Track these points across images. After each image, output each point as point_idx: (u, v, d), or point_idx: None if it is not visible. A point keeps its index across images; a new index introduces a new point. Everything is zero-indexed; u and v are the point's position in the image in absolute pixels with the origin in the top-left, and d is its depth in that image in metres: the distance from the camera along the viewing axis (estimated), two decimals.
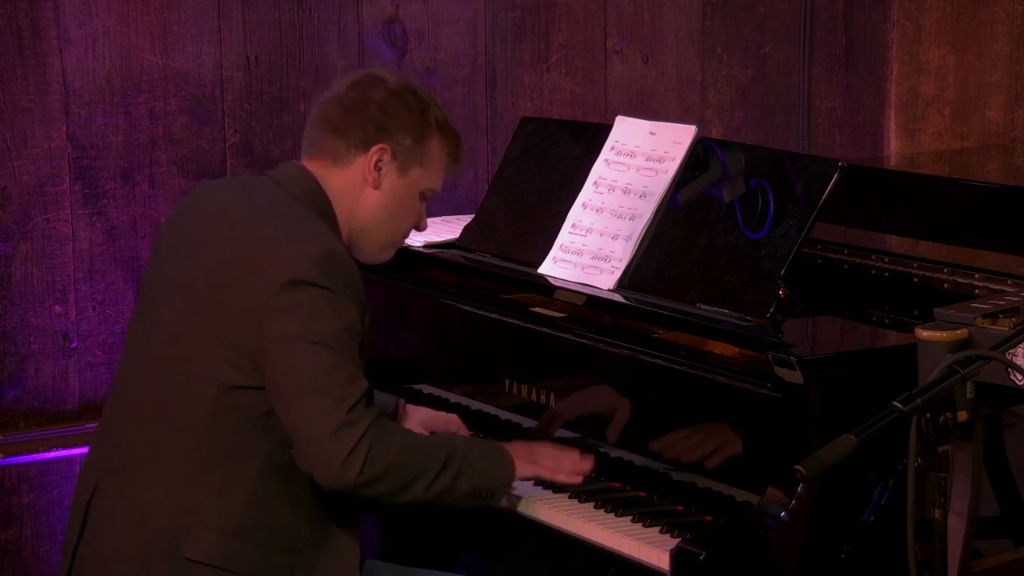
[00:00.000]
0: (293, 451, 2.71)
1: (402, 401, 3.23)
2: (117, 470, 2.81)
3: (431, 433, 3.12)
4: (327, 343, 2.67)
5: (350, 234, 2.89)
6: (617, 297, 3.14)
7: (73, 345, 3.67)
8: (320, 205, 2.84)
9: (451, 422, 3.22)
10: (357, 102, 2.87)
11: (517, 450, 2.92)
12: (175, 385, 2.76)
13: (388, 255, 2.98)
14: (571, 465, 2.95)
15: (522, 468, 2.89)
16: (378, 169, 2.87)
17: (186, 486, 2.73)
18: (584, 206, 3.31)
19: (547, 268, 3.31)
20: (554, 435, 3.13)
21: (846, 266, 3.26)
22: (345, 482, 2.67)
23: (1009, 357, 2.33)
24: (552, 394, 3.15)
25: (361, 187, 2.87)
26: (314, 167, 2.88)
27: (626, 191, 3.25)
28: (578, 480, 2.94)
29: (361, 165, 2.86)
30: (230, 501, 2.73)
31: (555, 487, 2.97)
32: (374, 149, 2.86)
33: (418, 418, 3.21)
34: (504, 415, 3.26)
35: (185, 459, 2.74)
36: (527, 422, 3.20)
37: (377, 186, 2.87)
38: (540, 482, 2.99)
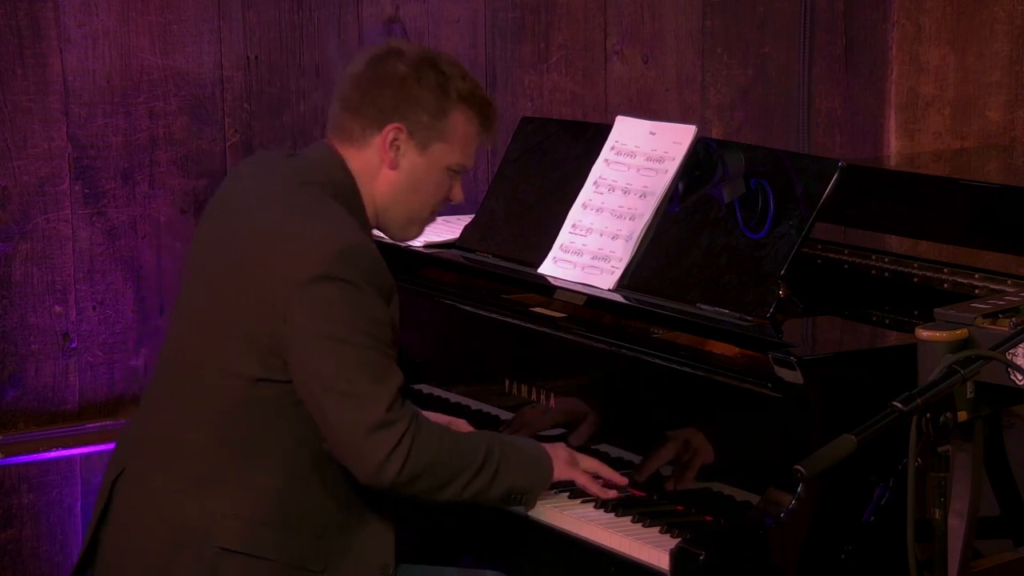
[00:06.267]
0: (327, 445, 2.71)
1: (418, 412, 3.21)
2: (144, 459, 2.82)
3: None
4: (355, 340, 2.66)
5: (375, 213, 2.87)
6: (617, 297, 3.14)
7: (73, 345, 3.67)
8: (345, 188, 2.81)
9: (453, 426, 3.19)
10: (373, 80, 2.84)
11: (559, 452, 2.91)
12: (200, 378, 2.77)
13: (415, 232, 2.95)
14: (608, 476, 2.94)
15: (560, 471, 2.88)
16: (395, 148, 2.83)
17: (212, 478, 2.74)
18: (584, 206, 3.31)
19: (547, 268, 3.31)
20: (539, 432, 3.14)
21: (846, 266, 3.26)
22: (383, 480, 2.68)
23: (1009, 357, 2.33)
24: (552, 394, 3.15)
25: (379, 167, 2.84)
26: (338, 146, 2.86)
27: (626, 191, 3.25)
28: (611, 494, 2.91)
29: (377, 145, 2.83)
30: (257, 492, 2.73)
31: (556, 487, 2.96)
32: (388, 128, 2.82)
33: None
34: (504, 415, 3.26)
35: (210, 451, 2.75)
36: None
37: (394, 166, 2.84)
38: (553, 484, 2.98)
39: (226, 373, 2.73)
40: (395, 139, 2.83)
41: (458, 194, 2.93)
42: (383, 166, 2.84)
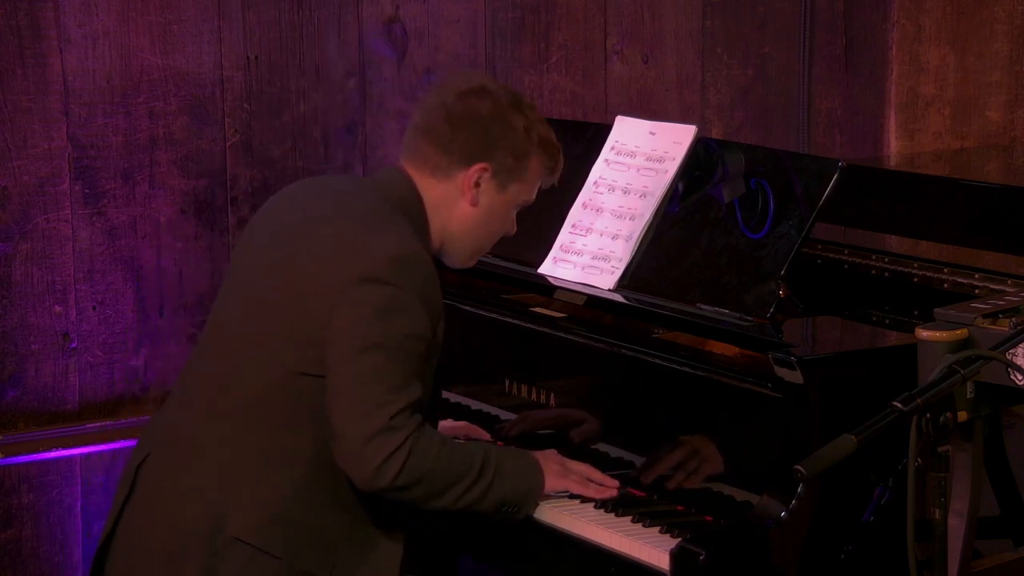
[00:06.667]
0: (331, 447, 2.73)
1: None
2: (170, 445, 2.85)
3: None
4: (385, 345, 2.69)
5: (442, 240, 2.91)
6: (617, 297, 3.14)
7: (73, 345, 3.67)
8: (413, 210, 2.86)
9: (471, 433, 3.20)
10: (464, 117, 2.87)
11: (550, 464, 2.91)
12: (242, 368, 2.80)
13: (474, 262, 3.00)
14: (600, 481, 2.94)
15: (552, 482, 2.89)
16: (477, 186, 2.87)
17: (229, 478, 2.76)
18: (584, 206, 3.31)
19: (547, 268, 3.31)
20: (537, 432, 3.14)
21: (846, 266, 3.26)
22: (378, 485, 2.70)
23: (1009, 357, 2.33)
24: (552, 394, 3.15)
25: (457, 200, 2.89)
26: (412, 172, 2.89)
27: (626, 191, 3.25)
28: (606, 494, 2.92)
29: (460, 180, 2.87)
30: (274, 489, 2.75)
31: None
32: (475, 168, 2.86)
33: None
34: (504, 415, 3.26)
35: (232, 450, 2.77)
36: None
37: (475, 203, 2.88)
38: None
39: (271, 365, 2.76)
40: (479, 178, 2.87)
41: (514, 228, 3.00)
42: (462, 200, 2.89)
